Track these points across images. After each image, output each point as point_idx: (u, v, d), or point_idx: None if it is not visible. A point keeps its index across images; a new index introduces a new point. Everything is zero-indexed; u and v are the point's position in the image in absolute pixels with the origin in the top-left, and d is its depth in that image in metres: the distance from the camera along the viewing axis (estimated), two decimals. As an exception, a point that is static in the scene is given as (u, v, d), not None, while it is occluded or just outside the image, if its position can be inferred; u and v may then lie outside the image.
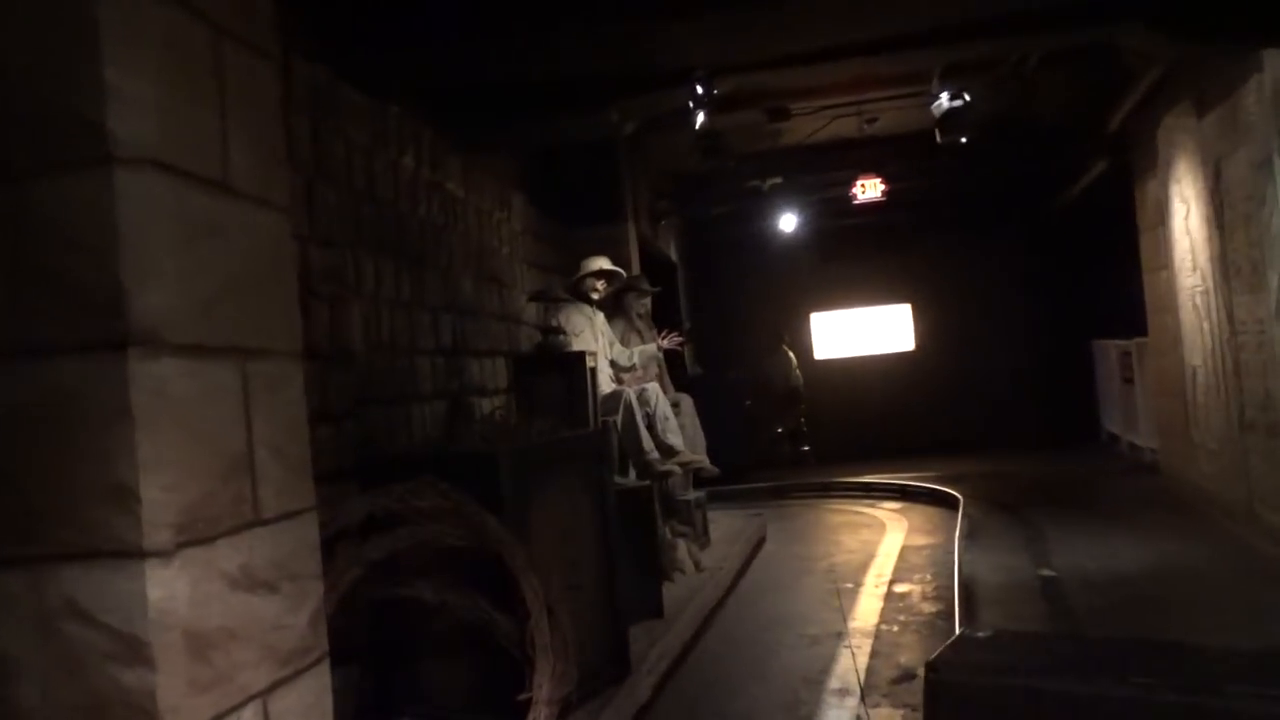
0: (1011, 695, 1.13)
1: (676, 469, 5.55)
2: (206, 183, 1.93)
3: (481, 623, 3.15)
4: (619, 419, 5.49)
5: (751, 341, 12.27)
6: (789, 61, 4.72)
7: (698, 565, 5.59)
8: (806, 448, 11.37)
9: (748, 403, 11.00)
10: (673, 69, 4.63)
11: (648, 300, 7.82)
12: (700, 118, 4.92)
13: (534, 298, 4.83)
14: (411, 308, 4.34)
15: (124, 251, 1.70)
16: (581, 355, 4.64)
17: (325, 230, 3.53)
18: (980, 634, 1.32)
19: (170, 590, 1.73)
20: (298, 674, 2.12)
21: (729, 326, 12.64)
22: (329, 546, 2.94)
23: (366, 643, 3.33)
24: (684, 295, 11.50)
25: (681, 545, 5.54)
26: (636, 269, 8.10)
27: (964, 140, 7.30)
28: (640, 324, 6.95)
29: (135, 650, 1.70)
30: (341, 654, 3.44)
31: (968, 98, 6.51)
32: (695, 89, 4.67)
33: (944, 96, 6.54)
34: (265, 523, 2.04)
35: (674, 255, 10.93)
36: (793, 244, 11.53)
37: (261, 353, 2.09)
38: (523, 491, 3.31)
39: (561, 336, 4.78)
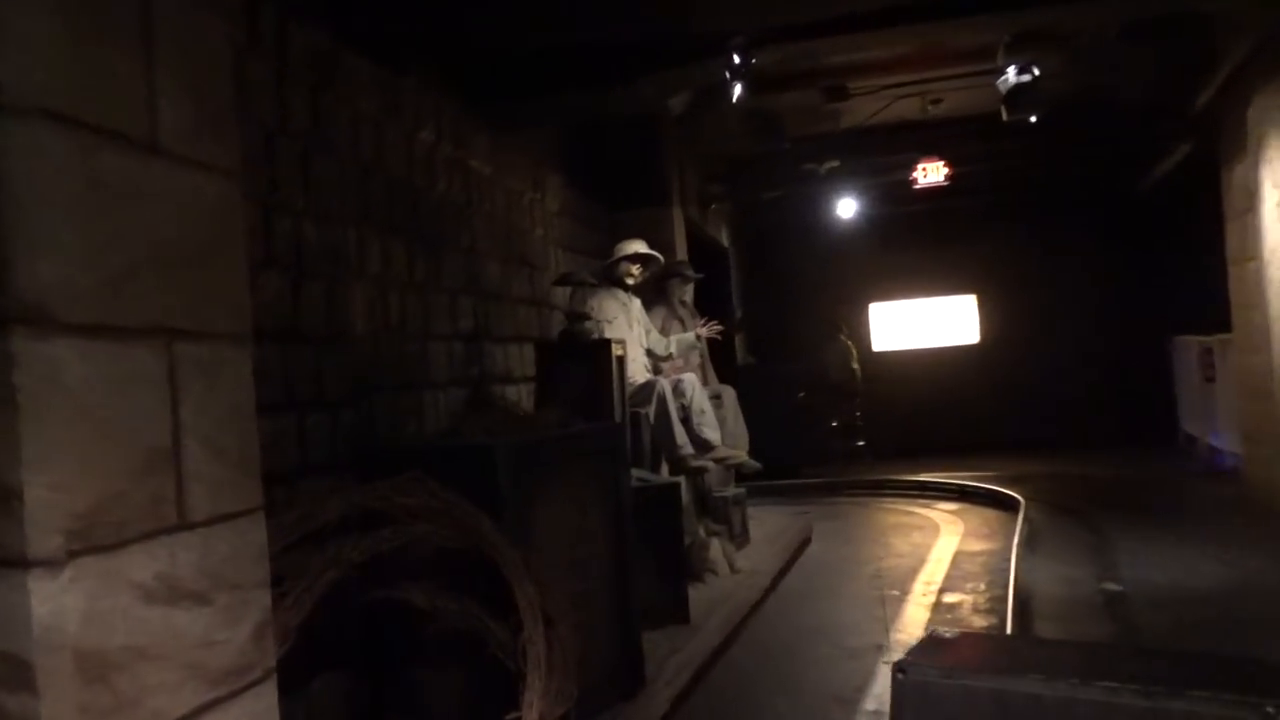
0: (978, 696, 1.14)
1: (710, 464, 5.26)
2: (125, 140, 1.69)
3: (475, 631, 2.92)
4: (651, 411, 5.22)
5: (807, 331, 11.86)
6: (837, 27, 4.35)
7: (732, 566, 5.29)
8: (861, 443, 10.93)
9: (801, 395, 10.61)
10: (709, 35, 4.30)
11: (691, 287, 7.54)
12: (738, 90, 4.58)
13: (560, 281, 4.57)
14: (426, 290, 4.11)
15: (7, 215, 1.47)
16: (607, 343, 4.37)
17: (323, 205, 3.31)
18: (948, 634, 1.35)
19: (59, 605, 1.50)
20: (234, 695, 1.89)
21: (783, 315, 12.25)
22: (305, 545, 2.74)
23: (358, 648, 3.13)
24: (736, 282, 11.15)
25: (715, 545, 5.24)
26: (682, 254, 7.80)
27: (1033, 119, 6.82)
28: (683, 312, 6.65)
29: (18, 672, 1.48)
30: (331, 659, 3.25)
31: (1036, 72, 6.04)
32: (732, 58, 4.34)
33: (1011, 71, 6.08)
34: (193, 526, 1.81)
35: (725, 241, 10.59)
36: (851, 231, 11.08)
37: (195, 335, 1.86)
38: (525, 489, 3.05)
39: (588, 323, 4.51)
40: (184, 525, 1.79)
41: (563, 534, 3.25)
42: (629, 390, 5.30)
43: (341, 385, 3.34)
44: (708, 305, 10.04)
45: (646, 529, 4.22)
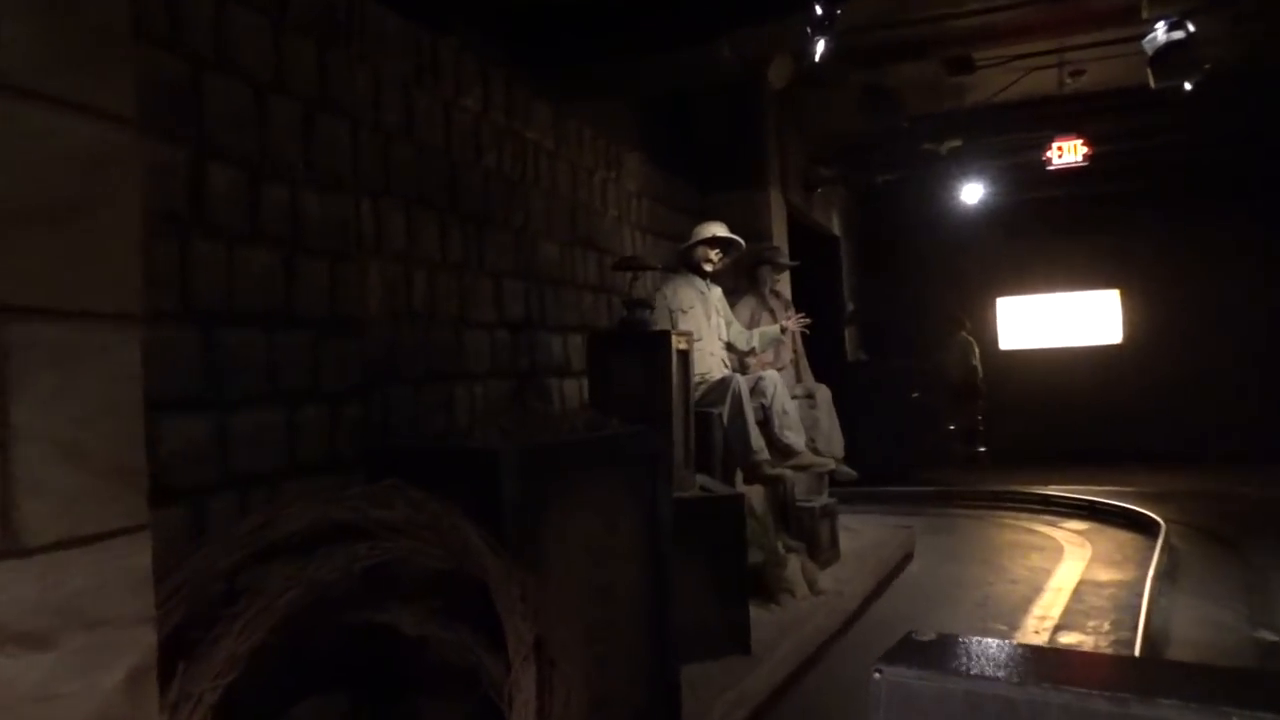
0: (952, 698, 1.17)
1: (788, 473, 4.71)
2: (-67, 66, 1.34)
3: (468, 664, 2.52)
4: (724, 410, 4.71)
5: (925, 327, 11.03)
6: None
7: (813, 587, 4.72)
8: (982, 449, 10.05)
9: (916, 394, 9.83)
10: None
11: (786, 276, 6.97)
12: (820, 46, 4.02)
13: (620, 265, 4.13)
14: (464, 271, 3.74)
15: None
16: (666, 334, 3.89)
17: (329, 174, 2.96)
18: (926, 637, 1.30)
19: None
20: (90, 759, 1.54)
21: (899, 309, 11.44)
22: (266, 559, 2.39)
23: (345, 673, 2.79)
24: (847, 273, 10.43)
25: (793, 562, 4.69)
26: (781, 241, 7.22)
27: (1187, 87, 5.92)
28: (774, 303, 6.10)
29: None
30: (315, 685, 2.90)
31: (1191, 28, 5.18)
32: (814, 9, 3.78)
33: (1160, 27, 5.24)
34: (29, 553, 1.47)
35: (836, 229, 9.90)
36: (976, 217, 10.19)
37: (44, 313, 1.51)
38: (535, 500, 2.62)
39: (648, 312, 4.04)
40: (14, 551, 1.43)
41: (583, 553, 2.81)
42: (701, 387, 4.82)
43: (346, 375, 2.99)
44: (814, 297, 9.40)
45: (703, 545, 3.74)
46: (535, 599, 2.48)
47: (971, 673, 1.19)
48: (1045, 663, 1.26)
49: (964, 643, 1.32)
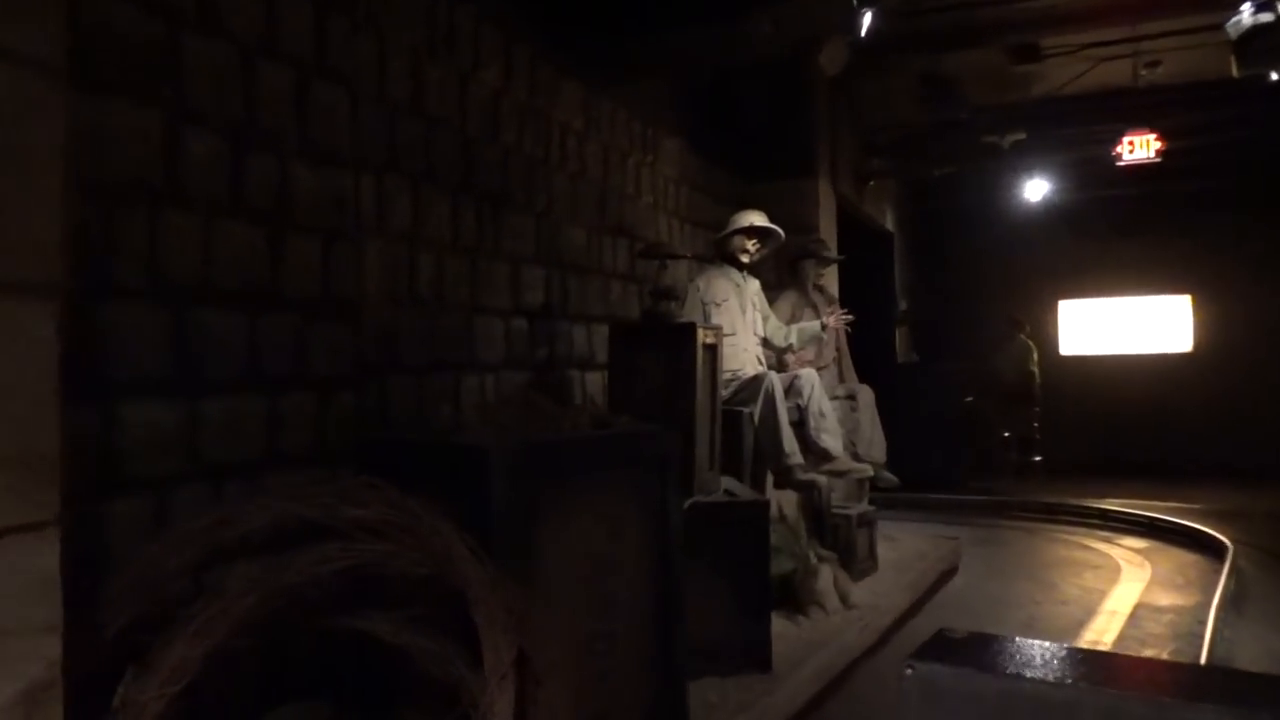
0: (984, 696, 1.17)
1: (821, 479, 4.43)
2: None
3: (450, 679, 2.31)
4: (756, 410, 4.45)
5: (982, 328, 10.57)
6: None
7: (846, 600, 4.43)
8: (1038, 458, 9.59)
9: (969, 399, 9.42)
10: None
11: (832, 271, 6.67)
12: (866, 21, 3.73)
13: (645, 253, 3.89)
14: (477, 254, 3.53)
15: None
16: (691, 327, 3.64)
17: (326, 144, 2.78)
18: (958, 635, 1.30)
19: None
20: (-25, 785, 1.36)
21: (955, 309, 11.02)
22: (234, 558, 2.21)
23: (327, 679, 2.61)
24: (900, 270, 10.05)
25: (825, 573, 4.41)
26: (829, 234, 6.92)
27: (1274, 76, 5.48)
28: (818, 298, 5.81)
29: None
30: (311, 687, 2.72)
31: (1280, 11, 4.76)
32: (860, -21, 3.51)
33: (1245, 9, 4.82)
34: (-105, 551, 1.30)
35: (889, 223, 9.52)
36: (1039, 215, 9.72)
37: (-73, 280, 1.34)
38: (528, 504, 2.41)
39: (674, 303, 3.80)
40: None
41: (582, 561, 2.58)
42: (733, 385, 4.57)
43: (339, 361, 2.80)
44: (865, 295, 9.05)
45: (723, 553, 3.50)
46: (521, 612, 2.27)
47: (1006, 671, 1.17)
48: (1081, 664, 1.23)
49: (998, 641, 1.29)
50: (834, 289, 6.92)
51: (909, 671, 1.22)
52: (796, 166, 6.60)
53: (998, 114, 8.19)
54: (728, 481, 4.00)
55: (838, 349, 5.86)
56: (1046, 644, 1.25)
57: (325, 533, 2.19)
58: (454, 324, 3.39)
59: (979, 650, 1.24)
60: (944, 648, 1.26)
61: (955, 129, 8.24)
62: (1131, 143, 7.69)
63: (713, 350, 3.90)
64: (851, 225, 8.17)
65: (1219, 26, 5.77)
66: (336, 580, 2.30)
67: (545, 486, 2.47)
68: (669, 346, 3.69)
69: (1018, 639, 1.26)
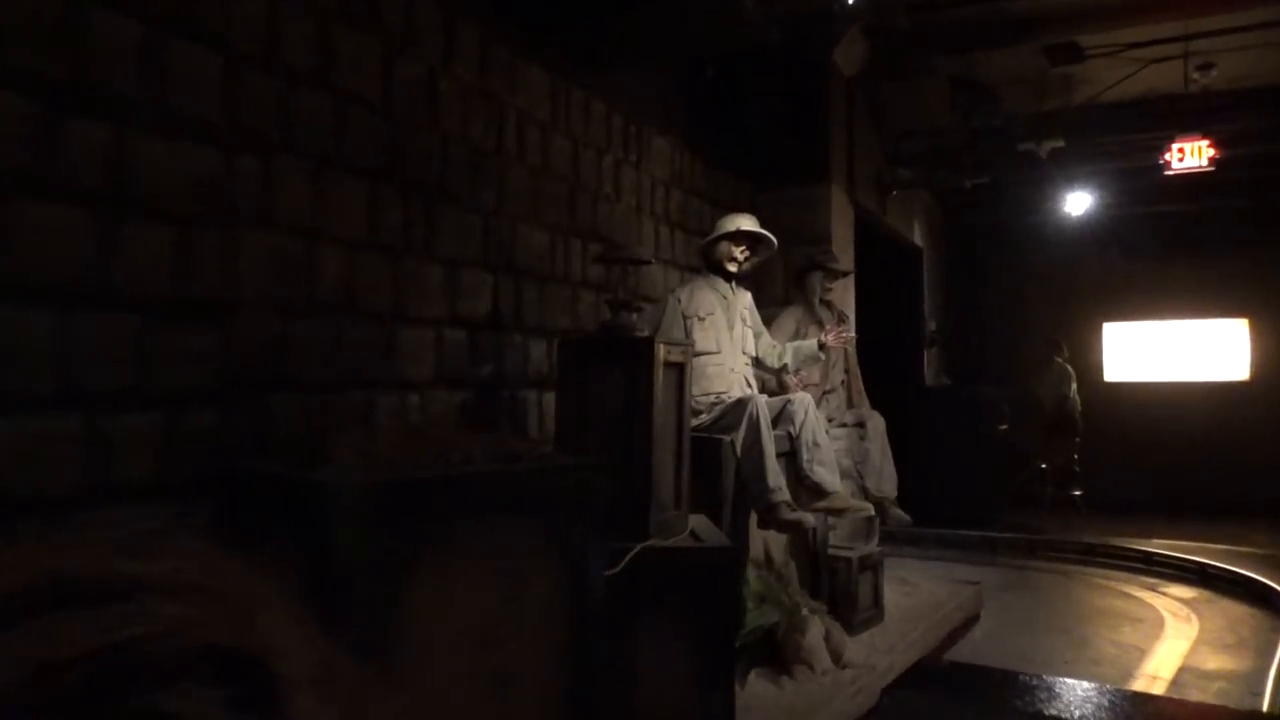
0: None
1: (809, 518, 3.87)
2: None
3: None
4: (739, 437, 3.91)
5: (1019, 351, 9.91)
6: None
7: (837, 658, 3.85)
8: (1078, 493, 8.89)
9: (1003, 427, 8.76)
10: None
11: (845, 284, 6.12)
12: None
13: (602, 258, 3.39)
14: (402, 254, 3.07)
15: None
16: (648, 342, 3.13)
17: (187, 116, 2.33)
18: (939, 665, 1.16)
19: None
20: None
21: (989, 330, 10.37)
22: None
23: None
24: (930, 288, 9.44)
25: (815, 626, 3.84)
26: (844, 246, 6.37)
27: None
28: (825, 314, 5.25)
29: None
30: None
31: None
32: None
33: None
34: None
35: (917, 238, 8.93)
36: (1081, 230, 9.07)
37: None
38: (388, 558, 1.91)
39: (634, 315, 3.29)
40: None
41: (468, 629, 2.08)
42: (716, 409, 4.05)
43: (195, 374, 2.34)
44: (892, 314, 8.48)
45: (682, 608, 2.97)
46: (361, 697, 1.78)
47: (979, 701, 1.38)
48: (1059, 695, 1.08)
49: (978, 671, 1.25)
50: (850, 305, 6.37)
51: (886, 700, 1.09)
52: (808, 172, 6.07)
53: (1034, 121, 7.59)
54: (697, 521, 3.48)
55: (846, 370, 5.30)
56: (1027, 675, 0.89)
57: (102, 594, 1.71)
58: (369, 334, 2.92)
59: (959, 680, 1.01)
60: (924, 678, 1.05)
61: (988, 136, 7.66)
62: (1181, 150, 7.03)
63: (679, 369, 3.38)
64: (874, 239, 7.62)
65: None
66: (136, 652, 1.81)
67: (417, 534, 1.98)
68: (624, 364, 3.18)
69: (999, 669, 0.97)
